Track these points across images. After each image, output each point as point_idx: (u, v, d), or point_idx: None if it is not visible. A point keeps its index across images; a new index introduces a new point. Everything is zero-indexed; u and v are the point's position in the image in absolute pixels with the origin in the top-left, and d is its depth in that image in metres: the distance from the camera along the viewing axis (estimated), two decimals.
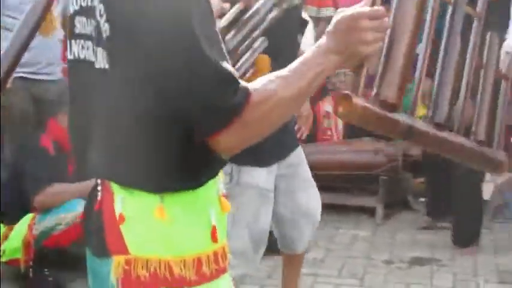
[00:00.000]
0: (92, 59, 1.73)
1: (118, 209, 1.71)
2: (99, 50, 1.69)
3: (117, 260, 1.70)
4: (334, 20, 1.66)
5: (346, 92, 1.72)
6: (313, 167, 5.65)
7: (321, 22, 6.68)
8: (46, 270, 4.27)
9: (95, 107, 1.73)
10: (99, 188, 1.77)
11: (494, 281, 4.63)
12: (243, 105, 1.59)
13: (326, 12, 6.67)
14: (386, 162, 5.53)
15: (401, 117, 1.76)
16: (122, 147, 1.71)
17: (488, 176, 5.48)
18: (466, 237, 5.14)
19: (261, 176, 3.20)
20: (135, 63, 1.62)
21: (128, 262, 1.69)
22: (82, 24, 1.77)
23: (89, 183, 4.25)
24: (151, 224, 1.70)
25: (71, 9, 1.80)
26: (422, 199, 5.96)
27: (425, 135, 1.81)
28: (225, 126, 1.60)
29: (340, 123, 6.08)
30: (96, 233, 1.75)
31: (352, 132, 5.90)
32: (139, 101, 1.65)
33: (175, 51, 1.58)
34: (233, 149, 1.68)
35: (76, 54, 1.79)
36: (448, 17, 1.85)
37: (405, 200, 6.01)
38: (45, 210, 4.26)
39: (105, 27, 1.65)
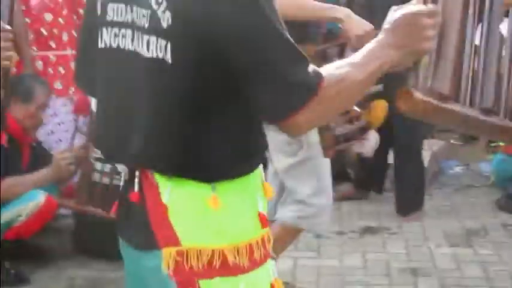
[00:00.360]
0: (135, 47, 1.71)
1: (165, 200, 1.71)
2: (153, 38, 1.67)
3: (168, 251, 1.70)
4: (391, 17, 1.72)
5: (408, 87, 1.81)
6: None
7: None
8: (7, 262, 4.20)
9: (140, 95, 1.71)
10: (136, 179, 1.76)
11: (445, 244, 4.83)
12: (319, 83, 1.64)
13: None
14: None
15: (455, 107, 1.85)
16: (175, 136, 1.70)
17: (424, 144, 5.68)
18: (410, 204, 5.32)
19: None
20: (204, 48, 1.62)
21: (179, 253, 1.69)
22: (118, 12, 1.75)
23: (44, 173, 4.23)
24: (203, 213, 1.71)
25: None
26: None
27: (482, 124, 1.91)
28: (303, 104, 1.64)
29: None
30: (139, 225, 1.76)
31: None
32: (202, 89, 1.67)
33: (252, 30, 1.61)
34: (307, 128, 1.74)
35: (108, 43, 1.78)
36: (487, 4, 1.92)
37: (345, 173, 6.13)
38: (2, 203, 4.19)
39: (166, 16, 1.64)
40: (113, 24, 1.76)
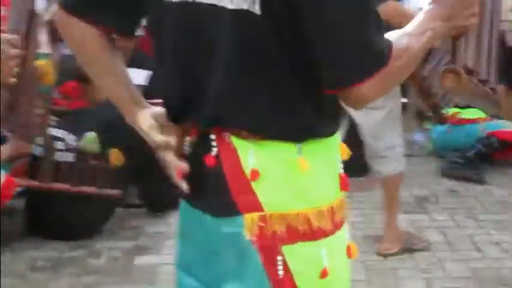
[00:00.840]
0: (214, 1, 1.59)
1: (249, 164, 1.62)
2: None
3: (250, 217, 1.62)
4: None
5: (454, 67, 1.81)
6: None
7: None
8: None
9: (221, 49, 1.60)
10: (213, 142, 1.65)
11: (399, 211, 4.88)
12: (389, 55, 1.56)
13: None
14: None
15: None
16: (264, 92, 1.61)
17: None
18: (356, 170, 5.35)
19: None
20: (293, 6, 1.52)
21: (262, 219, 1.62)
22: None
23: None
24: (289, 177, 1.63)
25: None
26: None
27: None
28: (371, 75, 1.55)
29: None
30: (215, 191, 1.66)
31: None
32: (288, 46, 1.57)
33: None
34: (365, 102, 1.62)
35: None
36: None
37: None
38: None
39: None
40: None
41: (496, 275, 3.95)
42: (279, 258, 1.62)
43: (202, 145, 1.68)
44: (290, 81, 1.61)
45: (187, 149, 1.75)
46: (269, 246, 1.63)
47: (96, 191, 4.30)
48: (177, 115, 1.74)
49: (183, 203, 1.82)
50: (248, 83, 1.61)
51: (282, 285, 1.63)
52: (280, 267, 1.63)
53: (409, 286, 3.87)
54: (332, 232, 1.68)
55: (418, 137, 6.58)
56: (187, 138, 1.73)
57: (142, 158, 4.60)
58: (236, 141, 1.64)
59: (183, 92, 1.70)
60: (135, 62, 5.28)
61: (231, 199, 1.63)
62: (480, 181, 5.48)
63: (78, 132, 4.34)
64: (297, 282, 1.64)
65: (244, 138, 1.63)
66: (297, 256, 1.64)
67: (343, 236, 1.73)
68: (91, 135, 4.28)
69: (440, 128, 5.98)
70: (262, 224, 1.62)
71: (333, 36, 1.52)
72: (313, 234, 1.65)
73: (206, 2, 1.61)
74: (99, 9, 1.73)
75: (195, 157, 1.70)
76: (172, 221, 4.66)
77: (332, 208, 1.68)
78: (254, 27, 1.56)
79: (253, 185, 1.62)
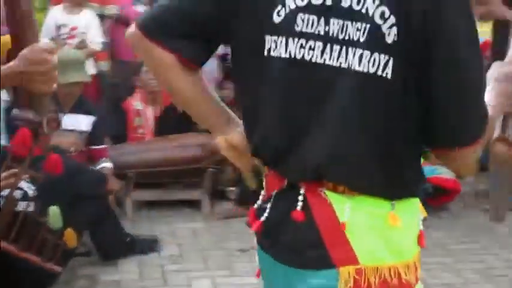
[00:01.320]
0: (332, 61, 1.65)
1: (344, 217, 1.68)
2: (367, 53, 1.61)
3: (347, 270, 1.67)
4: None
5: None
6: (141, 165, 5.65)
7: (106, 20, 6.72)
8: None
9: (335, 108, 1.65)
10: (300, 197, 1.70)
11: None
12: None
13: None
14: (212, 155, 5.65)
15: None
16: (372, 154, 1.67)
17: None
18: None
19: None
20: (426, 70, 1.60)
21: (358, 272, 1.67)
22: (309, 23, 1.67)
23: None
24: (383, 231, 1.70)
25: (291, 5, 1.68)
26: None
27: None
28: (481, 136, 1.68)
29: (151, 120, 6.04)
30: (304, 244, 1.71)
31: (163, 129, 5.97)
32: (409, 110, 1.65)
33: (473, 65, 1.62)
34: (472, 162, 1.75)
35: (293, 54, 1.68)
36: None
37: (222, 191, 6.16)
38: None
39: (392, 32, 1.59)
40: (303, 35, 1.67)
41: None
42: None
43: (288, 199, 1.73)
44: (402, 145, 1.69)
45: (263, 201, 1.81)
46: None
47: (39, 261, 4.05)
48: (272, 163, 1.78)
49: (260, 252, 1.85)
50: (360, 142, 1.66)
51: None
52: None
53: None
54: (414, 285, 1.75)
55: None
56: (274, 192, 1.77)
57: (95, 206, 4.54)
58: (331, 196, 1.69)
59: (283, 143, 1.73)
60: (79, 108, 5.23)
61: (324, 251, 1.68)
62: None
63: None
64: None
65: (340, 192, 1.69)
66: None
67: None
68: (55, 211, 4.11)
69: None
70: (358, 277, 1.67)
71: (460, 99, 1.63)
72: (401, 287, 1.71)
73: (316, 61, 1.67)
74: (178, 38, 1.77)
75: (277, 211, 1.75)
76: (126, 269, 4.61)
77: (415, 262, 1.76)
78: (382, 90, 1.63)
79: (350, 238, 1.67)
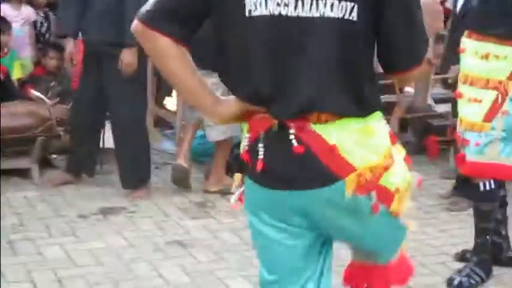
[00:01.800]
0: (307, 13, 2.07)
1: (333, 140, 2.12)
2: (336, 2, 2.06)
3: (350, 178, 2.13)
4: None
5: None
6: None
7: None
8: None
9: (315, 51, 2.09)
10: (291, 136, 2.11)
11: (186, 217, 5.18)
12: None
13: None
14: (41, 124, 5.58)
15: None
16: (347, 84, 2.13)
17: None
18: (135, 179, 5.55)
19: None
20: (377, 7, 2.11)
21: (358, 175, 2.14)
22: None
23: None
24: (364, 141, 2.16)
25: None
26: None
27: None
28: (424, 57, 2.25)
29: None
30: (311, 170, 2.13)
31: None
32: (369, 43, 2.17)
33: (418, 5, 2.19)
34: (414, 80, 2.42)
35: (272, 11, 2.08)
36: None
37: (48, 159, 6.09)
38: None
39: None
40: None
41: None
42: (372, 193, 2.17)
43: (279, 138, 2.13)
44: (366, 72, 2.18)
45: (251, 143, 2.19)
46: (366, 190, 2.16)
47: None
48: (264, 109, 2.15)
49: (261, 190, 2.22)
50: (339, 74, 2.12)
51: (377, 207, 2.19)
52: (374, 198, 2.18)
53: None
54: (392, 164, 2.21)
55: (167, 145, 6.89)
56: (261, 133, 2.16)
57: None
58: (316, 127, 2.13)
59: (273, 88, 2.13)
60: None
61: (328, 171, 2.13)
62: None
63: None
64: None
65: (323, 122, 2.13)
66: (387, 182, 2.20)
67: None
68: None
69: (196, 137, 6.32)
70: (361, 178, 2.15)
71: (411, 29, 2.17)
72: (386, 169, 2.19)
73: (302, 15, 2.08)
74: (174, 24, 2.14)
75: (277, 145, 2.15)
76: None
77: (390, 154, 2.22)
78: (351, 30, 2.10)
79: (343, 155, 2.13)
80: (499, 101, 4.15)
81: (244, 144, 2.22)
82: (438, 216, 5.47)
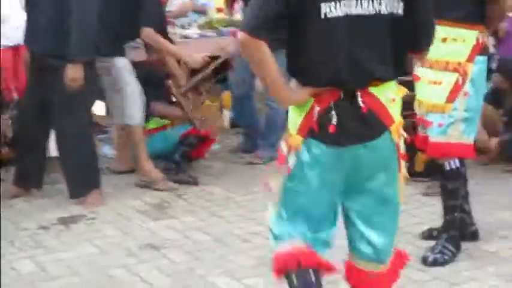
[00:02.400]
0: (369, 11, 2.76)
1: (386, 100, 2.83)
2: (385, 1, 2.77)
3: (393, 127, 2.86)
4: None
5: None
6: None
7: None
8: None
9: (378, 40, 2.80)
10: (359, 99, 2.78)
11: (147, 219, 5.15)
12: None
13: None
14: None
15: None
16: (390, 62, 2.83)
17: None
18: (83, 186, 5.46)
19: None
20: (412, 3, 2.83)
21: (396, 126, 2.88)
22: None
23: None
24: (397, 103, 2.90)
25: None
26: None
27: None
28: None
29: None
30: (372, 124, 2.82)
31: None
32: (404, 32, 2.85)
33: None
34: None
35: (344, 12, 2.73)
36: None
37: None
38: None
39: None
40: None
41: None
42: (400, 143, 2.93)
43: (348, 104, 2.79)
44: (402, 51, 2.91)
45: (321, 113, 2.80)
46: (397, 137, 2.90)
47: None
48: (342, 82, 2.79)
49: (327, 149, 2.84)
50: (389, 52, 2.83)
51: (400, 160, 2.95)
52: (401, 147, 2.95)
53: None
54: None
55: (106, 149, 6.81)
56: (331, 103, 2.79)
57: None
58: (374, 90, 2.82)
59: (349, 69, 2.77)
60: None
61: (382, 123, 2.84)
62: (195, 182, 5.96)
63: None
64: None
65: (376, 86, 2.82)
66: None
67: None
68: None
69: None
70: (397, 127, 2.89)
71: (429, 15, 2.92)
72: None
73: (366, 13, 2.76)
74: (271, 31, 2.75)
75: (346, 110, 2.79)
76: None
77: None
78: (396, 22, 2.80)
79: (390, 110, 2.86)
80: (460, 82, 4.32)
81: (315, 114, 2.80)
82: None
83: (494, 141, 6.28)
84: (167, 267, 4.34)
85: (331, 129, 2.77)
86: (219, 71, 6.53)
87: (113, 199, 5.59)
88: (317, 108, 2.79)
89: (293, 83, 2.90)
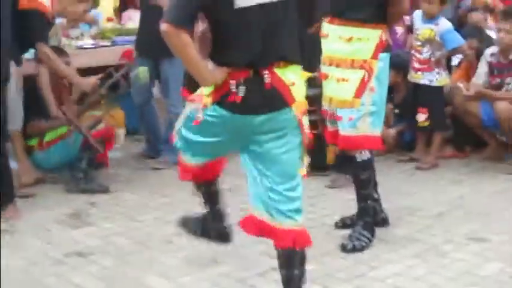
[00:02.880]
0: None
1: (289, 79, 3.33)
2: None
3: (294, 105, 3.36)
4: None
5: None
6: None
7: None
8: None
9: (280, 19, 3.32)
10: (265, 77, 3.27)
11: (66, 227, 5.20)
12: None
13: None
14: None
15: None
16: (296, 43, 3.40)
17: None
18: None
19: None
20: None
21: (298, 105, 3.37)
22: None
23: None
24: (300, 85, 3.41)
25: None
26: None
27: None
28: None
29: None
30: (274, 99, 3.31)
31: None
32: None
33: None
34: None
35: (256, 2, 3.24)
36: None
37: None
38: None
39: None
40: None
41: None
42: (304, 120, 3.43)
43: (256, 80, 3.29)
44: (299, 35, 3.45)
45: (234, 86, 3.29)
46: (301, 113, 3.41)
47: None
48: (252, 63, 3.29)
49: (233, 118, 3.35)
50: (292, 38, 3.39)
51: (303, 131, 3.44)
52: (304, 125, 3.44)
53: None
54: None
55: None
56: (240, 78, 3.28)
57: None
58: (278, 71, 3.33)
59: (260, 51, 3.29)
60: None
61: (283, 99, 3.34)
62: (106, 190, 6.04)
63: None
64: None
65: (281, 67, 3.33)
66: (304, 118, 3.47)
67: None
68: None
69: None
70: (297, 107, 3.38)
71: None
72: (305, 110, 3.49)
73: (274, 1, 3.29)
74: (190, 22, 3.25)
75: (254, 86, 3.28)
76: None
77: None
78: (291, 7, 3.37)
79: (291, 90, 3.35)
80: (366, 78, 4.62)
81: (231, 87, 3.28)
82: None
83: (391, 133, 6.66)
84: (99, 272, 4.43)
85: (238, 99, 3.27)
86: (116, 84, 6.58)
87: (28, 212, 5.58)
88: (230, 82, 3.28)
89: (210, 64, 3.32)
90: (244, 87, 3.27)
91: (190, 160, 3.73)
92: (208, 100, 3.36)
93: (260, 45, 3.27)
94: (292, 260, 3.46)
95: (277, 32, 3.31)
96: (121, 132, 7.44)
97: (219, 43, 3.30)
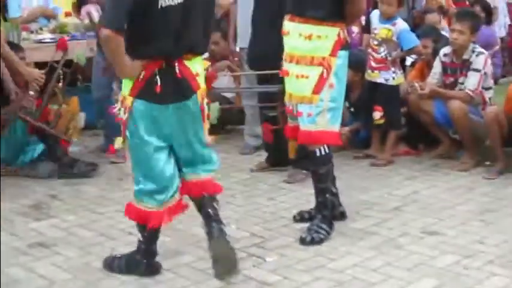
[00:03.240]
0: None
1: (195, 71, 3.87)
2: None
3: (199, 91, 3.91)
4: None
5: None
6: None
7: None
8: None
9: (194, 14, 3.81)
10: (176, 68, 3.77)
11: (31, 220, 5.23)
12: None
13: None
14: None
15: None
16: (202, 35, 3.93)
17: None
18: None
19: None
20: None
21: (201, 91, 3.94)
22: None
23: None
24: (204, 72, 3.99)
25: None
26: None
27: None
28: None
29: None
30: (184, 88, 3.84)
31: None
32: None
33: None
34: None
35: (176, 2, 3.73)
36: None
37: None
38: None
39: None
40: None
41: None
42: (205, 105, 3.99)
43: (168, 71, 3.78)
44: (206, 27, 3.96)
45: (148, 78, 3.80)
46: (202, 98, 3.97)
47: None
48: (167, 55, 3.78)
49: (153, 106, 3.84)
50: (201, 30, 3.86)
51: (204, 117, 4.01)
52: (205, 110, 4.00)
53: None
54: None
55: None
56: (156, 70, 3.77)
57: None
58: (188, 63, 3.85)
59: (172, 45, 3.76)
60: None
61: (191, 87, 3.88)
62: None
63: None
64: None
65: (189, 59, 3.84)
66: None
67: None
68: None
69: None
70: (201, 92, 3.96)
71: None
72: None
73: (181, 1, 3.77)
74: (125, 22, 3.64)
75: (167, 76, 3.77)
76: None
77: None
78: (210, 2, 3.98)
79: (198, 80, 3.90)
80: (325, 75, 4.74)
81: (143, 79, 3.77)
82: (258, 187, 6.00)
83: (345, 130, 6.80)
84: (63, 263, 4.48)
85: (157, 89, 3.74)
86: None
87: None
88: (143, 74, 3.74)
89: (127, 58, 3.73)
90: (159, 77, 3.73)
91: (151, 202, 4.07)
92: (129, 99, 3.81)
93: (173, 39, 3.71)
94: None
95: (189, 26, 3.75)
96: (82, 115, 7.46)
97: (136, 38, 3.68)
